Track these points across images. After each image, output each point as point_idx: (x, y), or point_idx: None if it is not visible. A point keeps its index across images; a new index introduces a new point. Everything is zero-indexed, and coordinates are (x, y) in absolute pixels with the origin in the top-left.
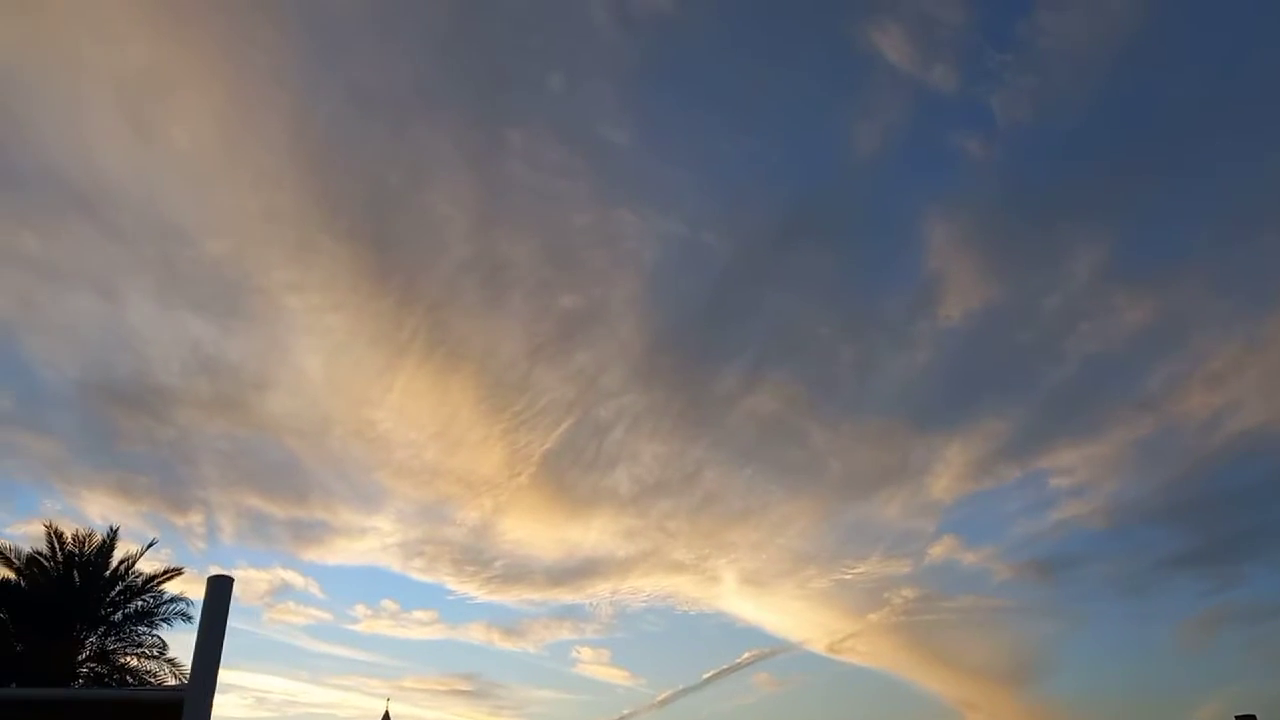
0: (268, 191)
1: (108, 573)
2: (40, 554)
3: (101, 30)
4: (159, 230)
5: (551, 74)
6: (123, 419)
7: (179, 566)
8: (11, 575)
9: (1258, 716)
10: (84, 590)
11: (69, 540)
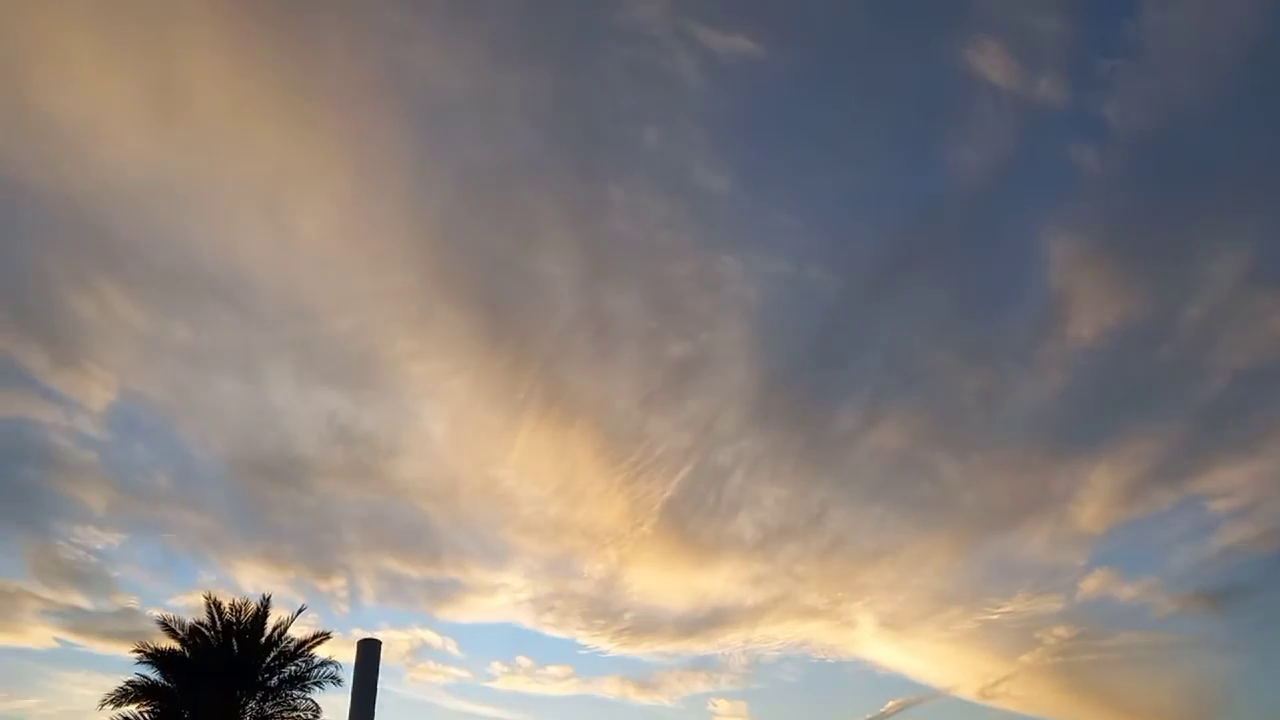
0: (388, 269)
1: (263, 639)
2: (201, 624)
3: (239, 138)
4: (293, 313)
5: (646, 129)
6: (268, 491)
7: (326, 631)
8: (177, 645)
9: None
10: (242, 657)
11: (227, 610)
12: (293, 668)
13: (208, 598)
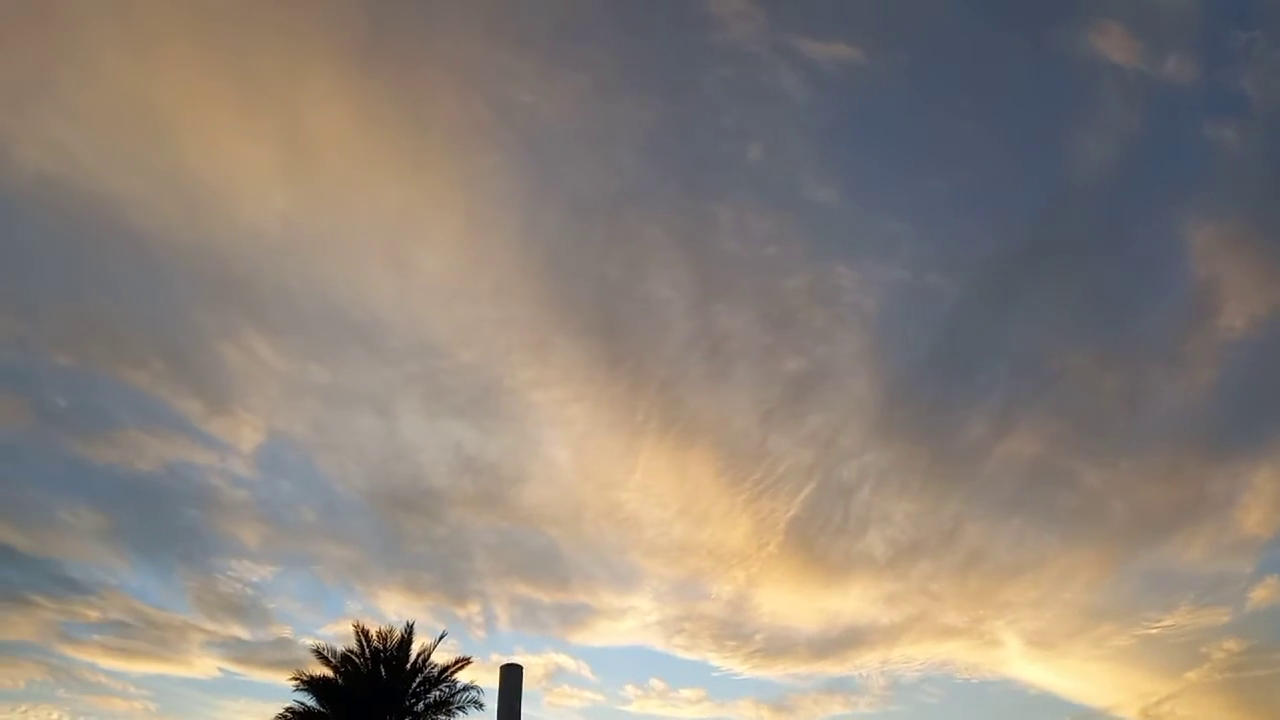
0: (505, 301)
1: (408, 665)
2: (352, 652)
3: (363, 187)
4: (419, 348)
5: (750, 146)
6: (404, 521)
7: (467, 656)
8: (329, 673)
9: None
10: (390, 682)
11: (374, 637)
12: (437, 693)
13: (356, 626)
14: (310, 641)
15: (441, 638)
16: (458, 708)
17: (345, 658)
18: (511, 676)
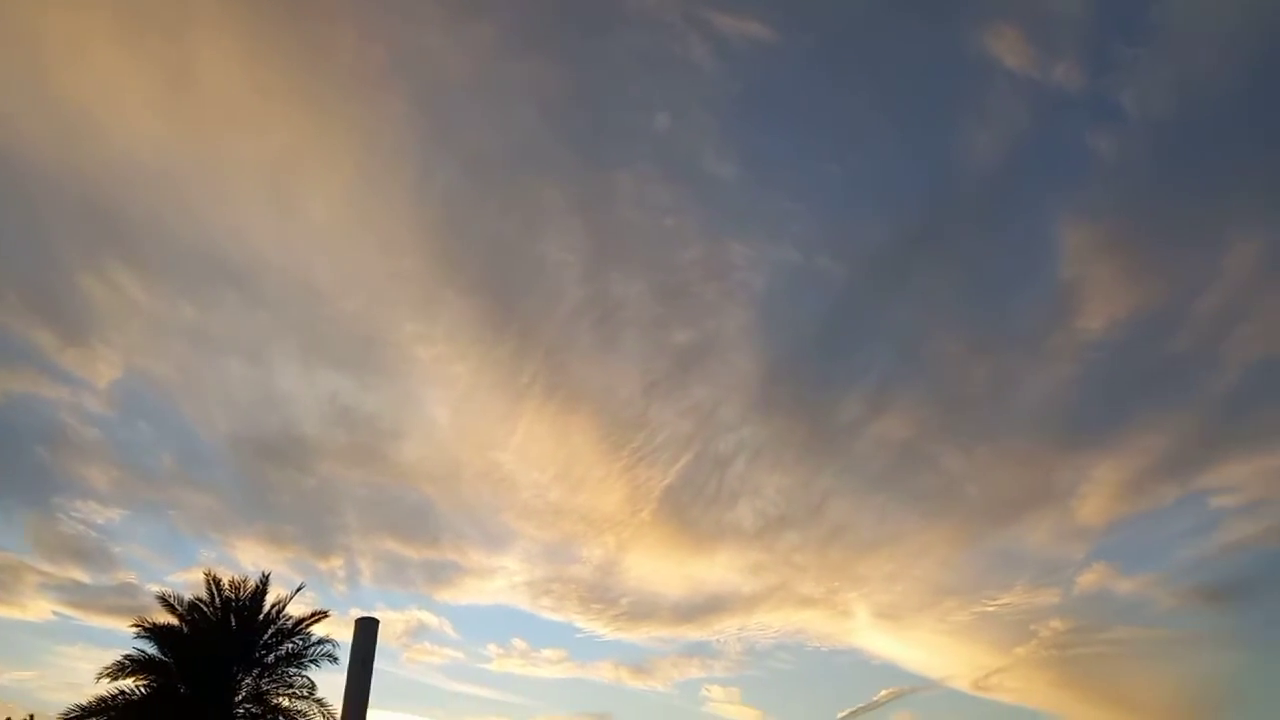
0: (394, 253)
1: (260, 616)
2: (200, 600)
3: (248, 120)
4: (300, 294)
5: (656, 115)
6: (270, 472)
7: (324, 609)
8: (175, 621)
9: None
10: (240, 634)
11: (226, 586)
12: (290, 645)
13: (207, 574)
14: (157, 589)
15: (298, 590)
16: (311, 661)
17: (193, 606)
18: (366, 630)
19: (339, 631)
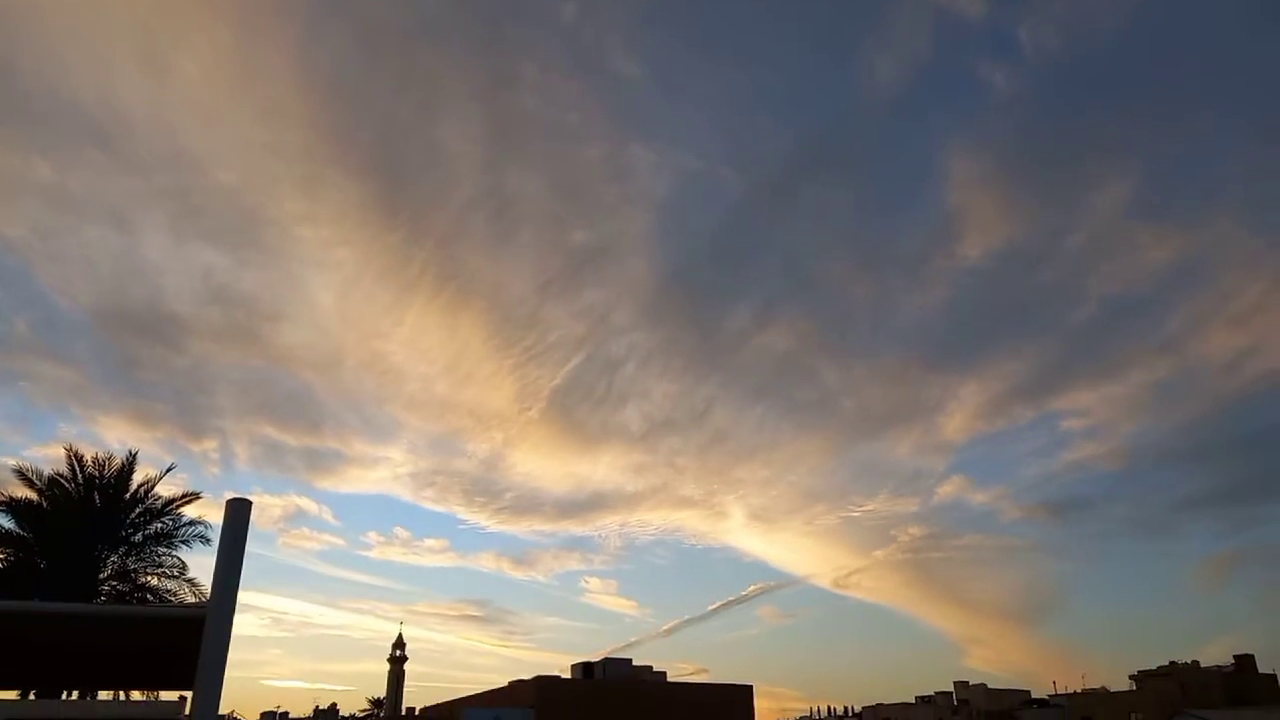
0: (276, 124)
1: (127, 495)
2: (61, 475)
3: None
4: (171, 161)
5: (564, 3)
6: (138, 348)
7: (196, 491)
8: (33, 495)
9: (1256, 657)
10: (104, 512)
11: (89, 463)
12: (159, 525)
13: (68, 450)
14: (14, 462)
15: (169, 470)
16: (182, 541)
17: (54, 481)
18: (237, 512)
19: (213, 514)
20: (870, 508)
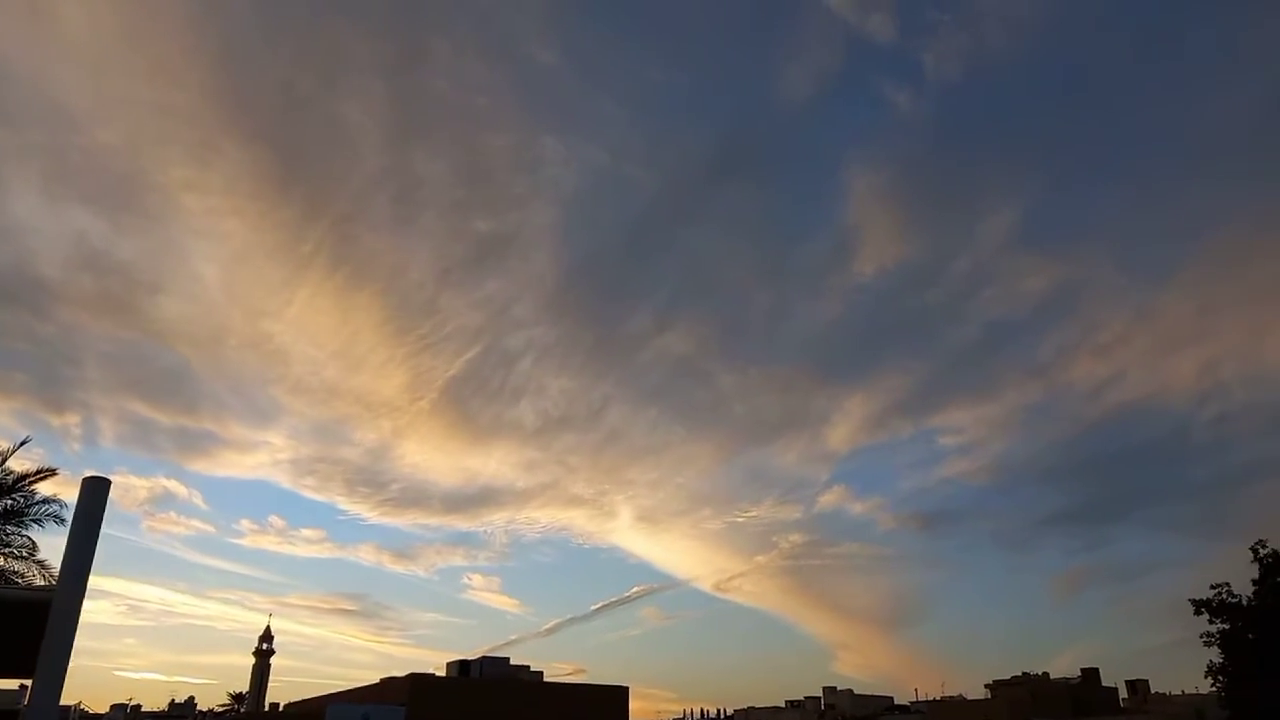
0: (166, 84)
1: None
2: None
3: None
4: (46, 115)
5: None
6: None
7: (52, 467)
8: None
9: (1100, 670)
10: None
11: None
12: (9, 501)
13: None
14: None
15: (22, 443)
16: (33, 521)
17: None
18: (94, 491)
19: (71, 493)
20: (755, 513)
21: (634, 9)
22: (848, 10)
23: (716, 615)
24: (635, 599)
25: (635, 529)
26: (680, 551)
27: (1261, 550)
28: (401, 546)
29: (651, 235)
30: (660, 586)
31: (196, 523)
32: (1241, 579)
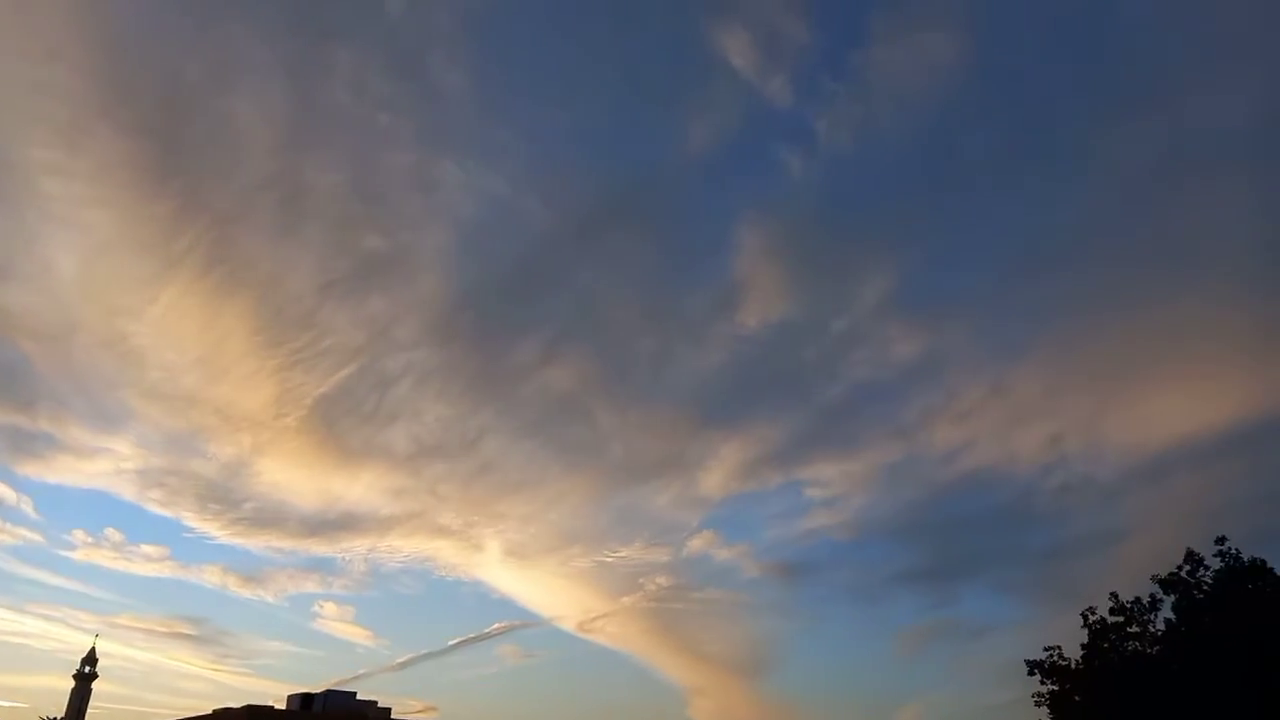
0: (39, 57)
1: None
2: None
3: None
4: None
5: None
6: None
7: None
8: None
9: None
10: None
11: None
12: None
13: None
14: None
15: None
16: None
17: None
18: None
19: None
20: (624, 554)
21: (547, 46)
22: (751, 73)
23: (577, 655)
24: (495, 636)
25: (502, 564)
26: (547, 589)
27: (1091, 617)
28: (251, 569)
29: (544, 270)
30: (523, 624)
31: (24, 531)
32: (1072, 643)
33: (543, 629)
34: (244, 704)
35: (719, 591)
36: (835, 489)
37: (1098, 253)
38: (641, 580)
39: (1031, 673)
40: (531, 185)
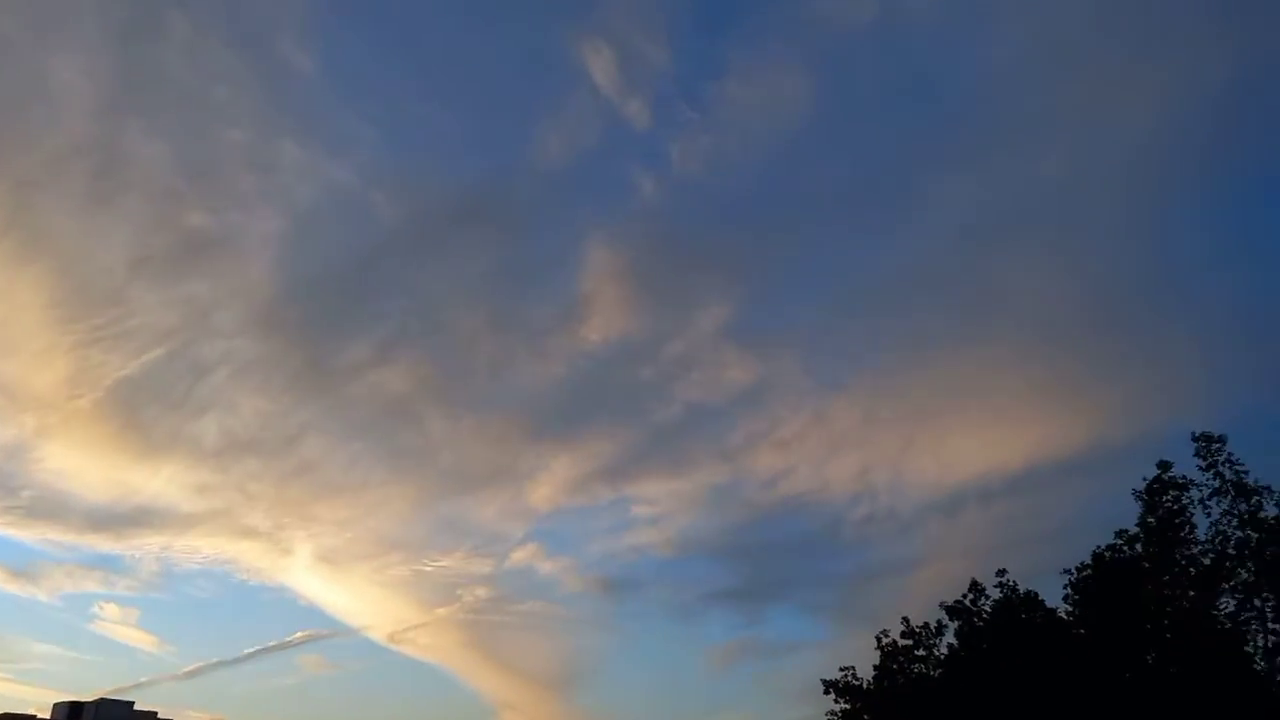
0: None
1: None
2: None
3: None
4: None
5: None
6: None
7: None
8: None
9: None
10: None
11: None
12: None
13: None
14: None
15: None
16: None
17: None
18: None
19: None
20: (445, 564)
21: (408, 38)
22: (611, 90)
23: (384, 667)
24: (297, 645)
25: (312, 569)
26: (359, 597)
27: (884, 639)
28: (23, 564)
29: (386, 266)
30: (329, 633)
31: None
32: (867, 664)
33: (350, 639)
34: (2, 713)
35: (539, 604)
36: (661, 507)
37: (920, 296)
38: (460, 591)
39: (827, 691)
40: (380, 178)
